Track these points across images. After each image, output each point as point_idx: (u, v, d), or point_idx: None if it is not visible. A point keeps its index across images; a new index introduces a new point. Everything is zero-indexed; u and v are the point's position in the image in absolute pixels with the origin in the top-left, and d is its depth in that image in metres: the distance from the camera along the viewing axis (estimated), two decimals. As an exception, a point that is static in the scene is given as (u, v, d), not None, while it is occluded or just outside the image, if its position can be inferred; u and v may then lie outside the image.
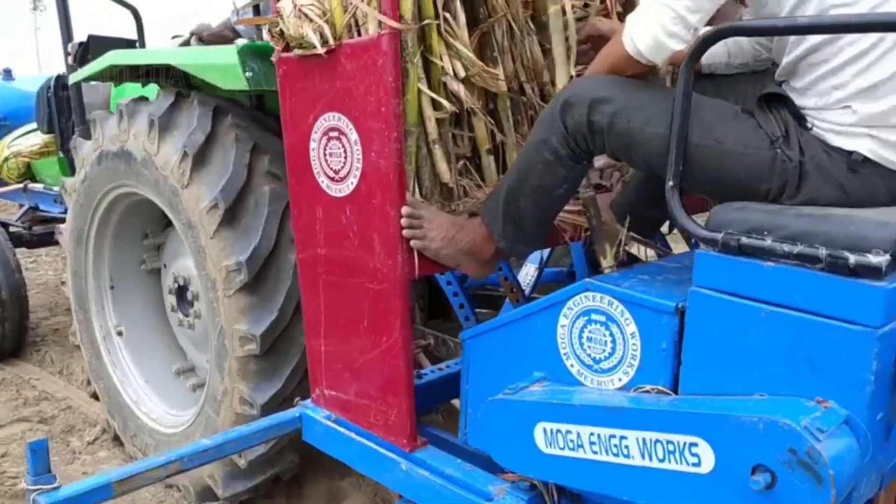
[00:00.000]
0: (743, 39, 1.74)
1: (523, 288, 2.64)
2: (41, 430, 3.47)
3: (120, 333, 3.21)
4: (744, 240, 1.37)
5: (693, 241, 2.39)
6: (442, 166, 1.91)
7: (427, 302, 3.43)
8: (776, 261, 1.34)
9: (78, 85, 3.60)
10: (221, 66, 2.50)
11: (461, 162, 2.05)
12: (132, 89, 3.11)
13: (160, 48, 3.45)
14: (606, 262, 1.85)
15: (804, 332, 1.31)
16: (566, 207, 1.96)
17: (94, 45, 3.56)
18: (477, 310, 3.08)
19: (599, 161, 2.08)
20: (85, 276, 3.21)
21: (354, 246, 1.91)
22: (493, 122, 2.06)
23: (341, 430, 2.01)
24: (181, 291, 2.97)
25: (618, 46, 1.53)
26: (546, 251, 2.79)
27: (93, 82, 3.48)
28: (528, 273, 2.78)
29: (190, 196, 2.52)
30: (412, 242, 1.80)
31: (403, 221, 1.78)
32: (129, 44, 3.75)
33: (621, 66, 1.56)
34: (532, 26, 2.07)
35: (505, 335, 1.76)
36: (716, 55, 1.77)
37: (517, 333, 1.73)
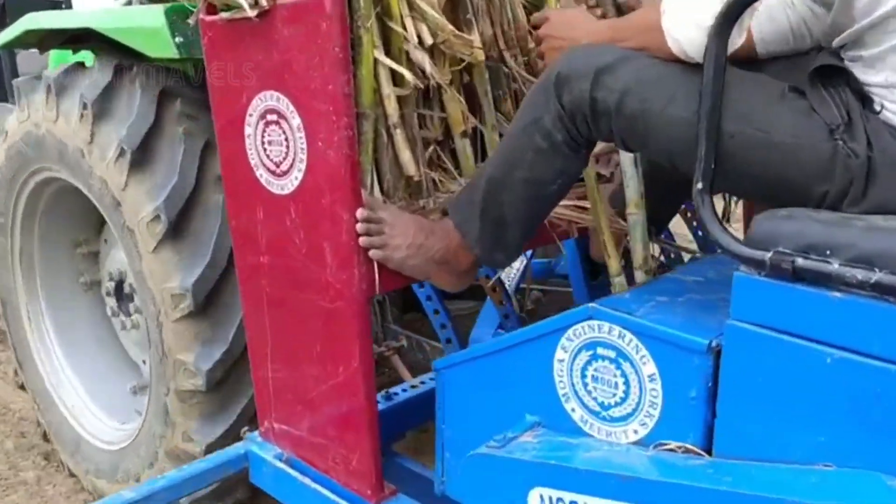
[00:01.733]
0: (781, 16, 1.37)
1: (506, 284, 2.31)
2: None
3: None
4: (800, 262, 1.03)
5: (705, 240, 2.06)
6: (405, 155, 1.55)
7: (400, 293, 3.08)
8: (846, 291, 1.01)
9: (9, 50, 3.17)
10: (148, 31, 2.09)
11: (431, 148, 1.69)
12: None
13: (85, 9, 3.02)
14: (614, 271, 1.51)
15: (885, 386, 0.98)
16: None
17: (12, 6, 3.12)
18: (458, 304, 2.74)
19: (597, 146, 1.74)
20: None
21: (302, 255, 1.56)
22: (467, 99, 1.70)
23: (294, 473, 1.68)
24: (118, 289, 2.60)
25: (655, 36, 1.17)
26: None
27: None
28: (512, 266, 2.44)
29: (128, 201, 2.09)
30: (371, 252, 1.45)
31: (359, 227, 1.43)
32: (53, 4, 3.31)
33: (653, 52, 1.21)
34: (514, -20, 1.71)
35: (488, 367, 1.42)
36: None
37: (503, 366, 1.40)
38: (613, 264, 1.53)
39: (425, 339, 2.53)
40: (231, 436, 2.07)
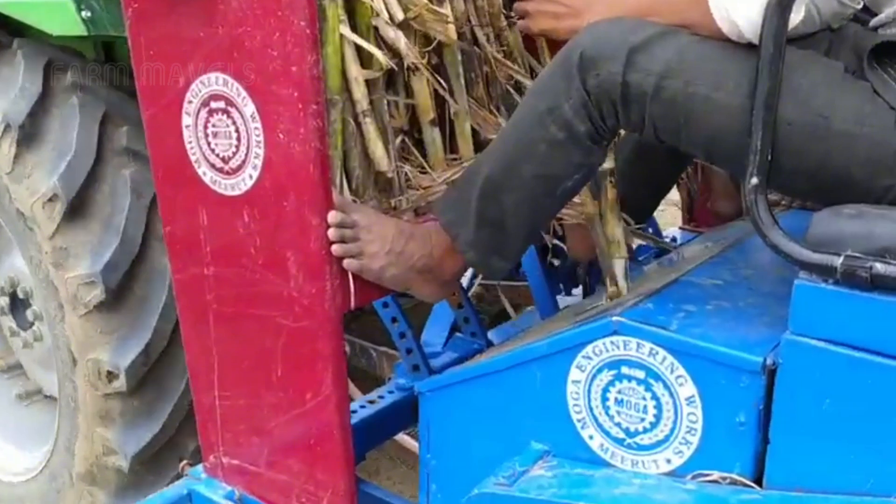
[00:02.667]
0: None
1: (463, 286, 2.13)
2: None
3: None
4: (879, 267, 0.90)
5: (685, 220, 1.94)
6: (377, 148, 1.35)
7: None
8: (933, 300, 0.89)
9: None
10: (48, 4, 1.82)
11: (399, 139, 1.49)
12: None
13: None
14: (620, 272, 1.35)
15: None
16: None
17: None
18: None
19: None
20: None
21: (258, 265, 1.33)
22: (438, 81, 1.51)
23: (250, 516, 1.46)
24: (13, 301, 2.27)
25: (698, 12, 1.01)
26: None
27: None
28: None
29: (19, 183, 1.84)
30: (346, 262, 1.25)
31: (332, 233, 1.22)
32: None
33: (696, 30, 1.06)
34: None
35: (484, 390, 1.25)
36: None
37: (503, 388, 1.23)
38: (619, 266, 1.36)
39: (371, 345, 2.33)
40: (160, 444, 1.87)
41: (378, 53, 1.31)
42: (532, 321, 2.00)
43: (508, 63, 1.57)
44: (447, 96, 1.49)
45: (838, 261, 0.92)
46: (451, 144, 1.58)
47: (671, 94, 1.03)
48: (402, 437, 2.16)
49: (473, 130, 1.57)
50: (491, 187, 1.20)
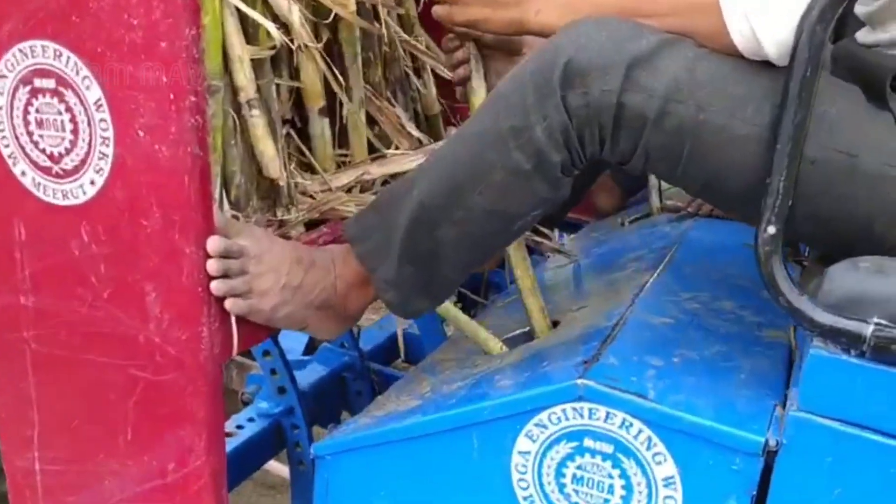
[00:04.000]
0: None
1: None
2: None
3: None
4: (916, 341, 0.76)
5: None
6: (267, 148, 1.06)
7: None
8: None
9: None
10: None
11: (284, 132, 1.20)
12: None
13: None
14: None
15: None
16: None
17: None
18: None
19: None
20: None
21: (102, 300, 1.01)
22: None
23: None
24: None
25: (708, 20, 0.81)
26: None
27: None
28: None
29: None
30: (230, 303, 0.96)
31: (214, 266, 0.93)
32: None
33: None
34: None
35: (403, 458, 1.01)
36: None
37: (428, 457, 1.00)
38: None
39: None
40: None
41: (271, 27, 1.02)
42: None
43: (415, 43, 1.32)
44: (335, 86, 1.21)
45: (868, 330, 0.77)
46: (341, 139, 1.31)
47: (677, 121, 0.84)
48: (270, 463, 1.87)
49: (368, 123, 1.32)
50: (425, 217, 0.96)
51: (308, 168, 1.26)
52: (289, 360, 1.63)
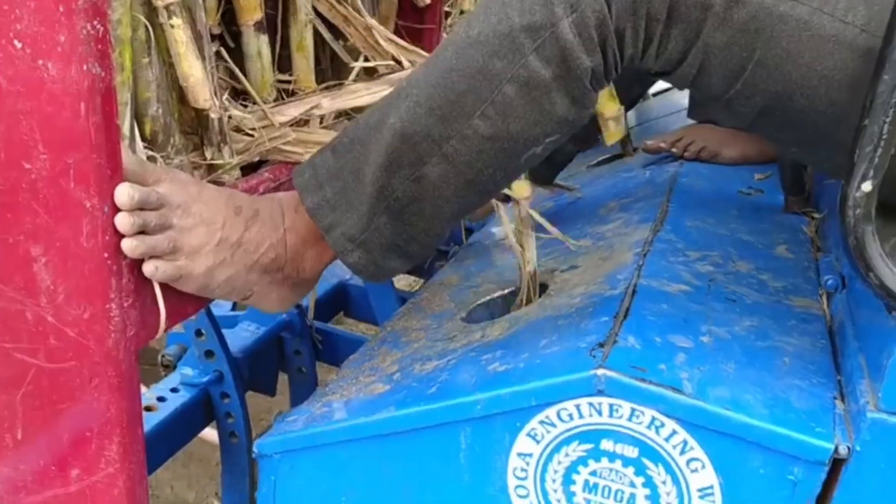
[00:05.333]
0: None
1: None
2: None
3: None
4: None
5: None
6: (193, 70, 0.82)
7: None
8: None
9: None
10: None
11: (214, 47, 0.96)
12: None
13: None
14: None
15: None
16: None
17: None
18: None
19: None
20: None
21: (-24, 266, 0.77)
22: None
23: None
24: None
25: None
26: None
27: None
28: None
29: None
30: (150, 266, 0.74)
31: (124, 221, 0.70)
32: None
33: None
34: None
35: (371, 459, 0.82)
36: None
37: (404, 458, 0.81)
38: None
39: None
40: None
41: None
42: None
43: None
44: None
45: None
46: (282, 63, 1.08)
47: (751, 12, 0.65)
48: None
49: (316, 42, 1.09)
50: (406, 151, 0.74)
51: (242, 97, 1.03)
52: (216, 316, 1.41)
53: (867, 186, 0.61)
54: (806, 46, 0.67)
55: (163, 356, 1.58)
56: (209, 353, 1.40)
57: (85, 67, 0.66)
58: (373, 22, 1.05)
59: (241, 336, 1.57)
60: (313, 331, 1.67)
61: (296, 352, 1.67)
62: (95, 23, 0.65)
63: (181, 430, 1.38)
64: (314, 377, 1.68)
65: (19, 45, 0.67)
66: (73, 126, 0.68)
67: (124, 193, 0.70)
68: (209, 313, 1.38)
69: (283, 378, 1.70)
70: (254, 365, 1.56)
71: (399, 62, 1.04)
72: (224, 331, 1.43)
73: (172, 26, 0.79)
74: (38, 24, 0.65)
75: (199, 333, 1.40)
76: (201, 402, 1.41)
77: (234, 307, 1.76)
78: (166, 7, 0.78)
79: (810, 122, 0.70)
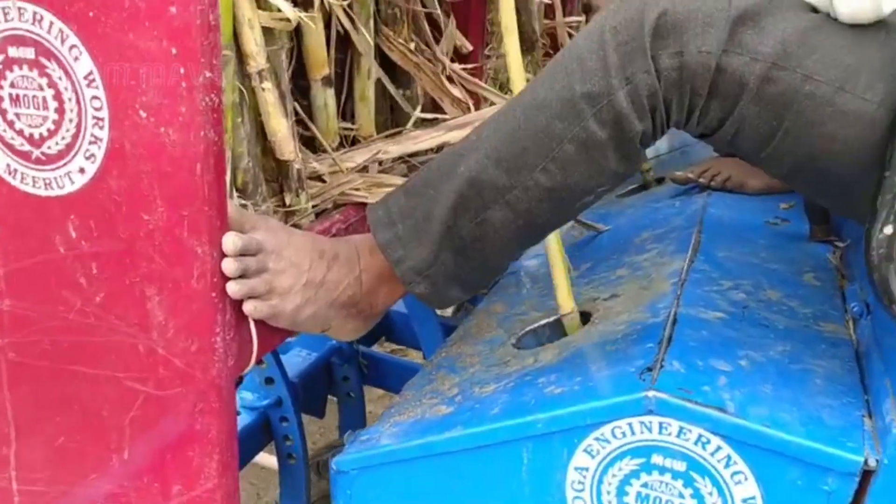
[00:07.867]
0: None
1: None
2: None
3: None
4: None
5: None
6: (280, 126, 0.93)
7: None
8: None
9: None
10: None
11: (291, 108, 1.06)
12: None
13: None
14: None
15: None
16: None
17: None
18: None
19: None
20: None
21: (94, 305, 0.87)
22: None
23: None
24: None
25: None
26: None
27: None
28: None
29: None
30: (249, 306, 0.84)
31: (230, 266, 0.80)
32: None
33: None
34: None
35: (439, 474, 0.91)
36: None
37: (469, 473, 0.90)
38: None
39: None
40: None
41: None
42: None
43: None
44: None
45: None
46: (347, 111, 1.19)
47: (780, 90, 0.74)
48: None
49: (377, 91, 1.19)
50: (474, 197, 0.84)
51: (309, 146, 1.13)
52: (273, 345, 1.51)
53: (889, 230, 0.70)
54: (829, 119, 0.76)
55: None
56: (269, 380, 1.49)
57: (202, 133, 0.76)
58: (448, 62, 1.15)
59: (293, 361, 1.67)
60: (360, 356, 1.77)
61: (344, 378, 1.76)
62: (213, 95, 0.75)
63: (242, 451, 1.47)
64: (362, 400, 1.77)
65: (144, 115, 0.77)
66: (189, 184, 0.78)
67: (230, 241, 0.80)
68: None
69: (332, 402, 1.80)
70: (306, 388, 1.65)
71: (465, 103, 1.15)
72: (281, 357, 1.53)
73: (264, 89, 0.90)
74: (163, 97, 0.76)
75: (259, 361, 1.50)
76: (261, 425, 1.50)
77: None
78: (258, 73, 0.89)
79: (834, 179, 0.79)
